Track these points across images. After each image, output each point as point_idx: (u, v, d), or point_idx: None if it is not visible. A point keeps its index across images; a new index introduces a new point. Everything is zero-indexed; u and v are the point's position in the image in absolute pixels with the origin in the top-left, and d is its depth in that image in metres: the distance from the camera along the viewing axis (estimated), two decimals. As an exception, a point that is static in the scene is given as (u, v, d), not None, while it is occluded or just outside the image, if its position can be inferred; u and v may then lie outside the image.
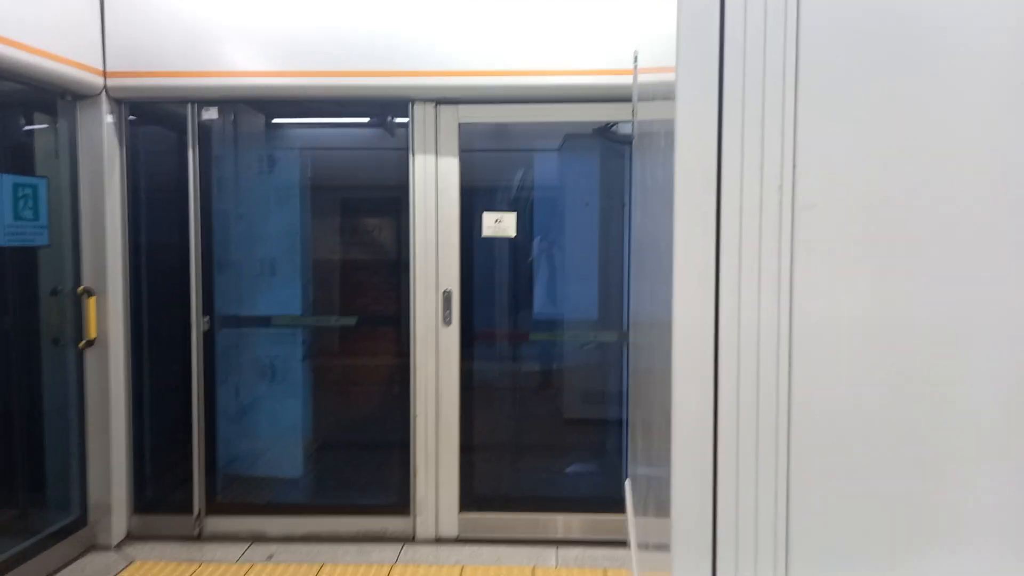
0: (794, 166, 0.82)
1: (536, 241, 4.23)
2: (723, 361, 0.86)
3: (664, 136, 1.04)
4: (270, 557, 3.79)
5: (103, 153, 3.79)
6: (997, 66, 0.82)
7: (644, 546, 1.45)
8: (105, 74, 3.73)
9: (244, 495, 4.20)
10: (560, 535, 3.98)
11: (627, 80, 3.54)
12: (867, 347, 0.85)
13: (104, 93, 3.75)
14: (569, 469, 4.32)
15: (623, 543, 3.90)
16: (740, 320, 0.84)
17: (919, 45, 0.83)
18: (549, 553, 3.84)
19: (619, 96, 3.65)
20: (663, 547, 0.99)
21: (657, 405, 1.08)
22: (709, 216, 0.85)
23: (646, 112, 1.57)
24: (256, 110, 4.19)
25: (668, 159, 0.93)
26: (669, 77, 0.93)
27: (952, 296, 0.84)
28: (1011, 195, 0.83)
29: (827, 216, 0.83)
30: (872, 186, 0.83)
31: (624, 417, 4.29)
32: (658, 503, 1.08)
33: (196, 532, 4.00)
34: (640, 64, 1.87)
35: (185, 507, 4.00)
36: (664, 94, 1.05)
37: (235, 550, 3.87)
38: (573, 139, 4.19)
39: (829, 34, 0.82)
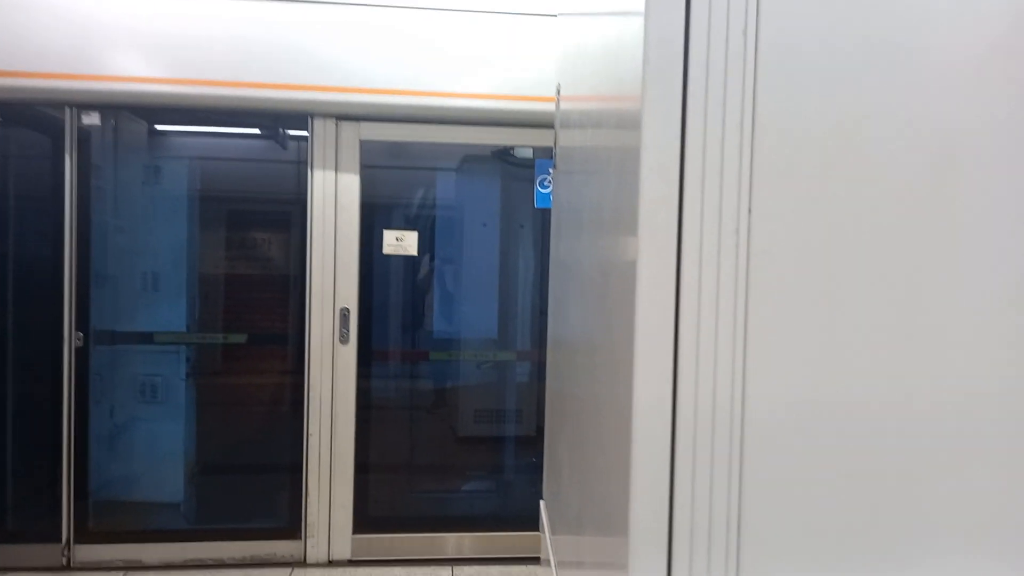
0: (750, 211, 0.91)
1: (426, 258, 4.24)
2: (682, 383, 0.93)
3: (617, 166, 1.10)
4: (148, 588, 3.58)
5: (-35, 154, 3.49)
6: (952, 111, 0.94)
7: (572, 564, 1.50)
8: (-28, 70, 3.44)
9: (119, 522, 3.94)
10: (455, 554, 3.98)
11: (529, 106, 3.64)
12: (818, 385, 0.94)
13: (-30, 91, 3.46)
14: (464, 487, 4.34)
15: (518, 560, 3.96)
16: (698, 351, 0.91)
17: (868, 101, 0.93)
18: (444, 572, 3.84)
19: (521, 121, 3.74)
20: (614, 565, 1.04)
21: (606, 429, 1.13)
22: (670, 251, 0.91)
23: (581, 140, 1.65)
24: (142, 117, 3.99)
25: (625, 193, 0.99)
26: (630, 106, 0.99)
27: (903, 341, 0.95)
28: (963, 242, 0.94)
29: (780, 261, 0.92)
30: (822, 233, 0.93)
31: (516, 434, 4.37)
32: (605, 521, 1.13)
33: (64, 562, 3.72)
34: (567, 93, 1.95)
35: (52, 535, 3.71)
36: (618, 123, 1.11)
37: (108, 582, 3.63)
38: (472, 160, 4.25)
39: (783, 90, 0.92)
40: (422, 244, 4.05)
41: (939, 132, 0.94)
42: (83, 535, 3.76)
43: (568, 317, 1.72)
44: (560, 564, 1.70)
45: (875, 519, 0.95)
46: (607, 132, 1.20)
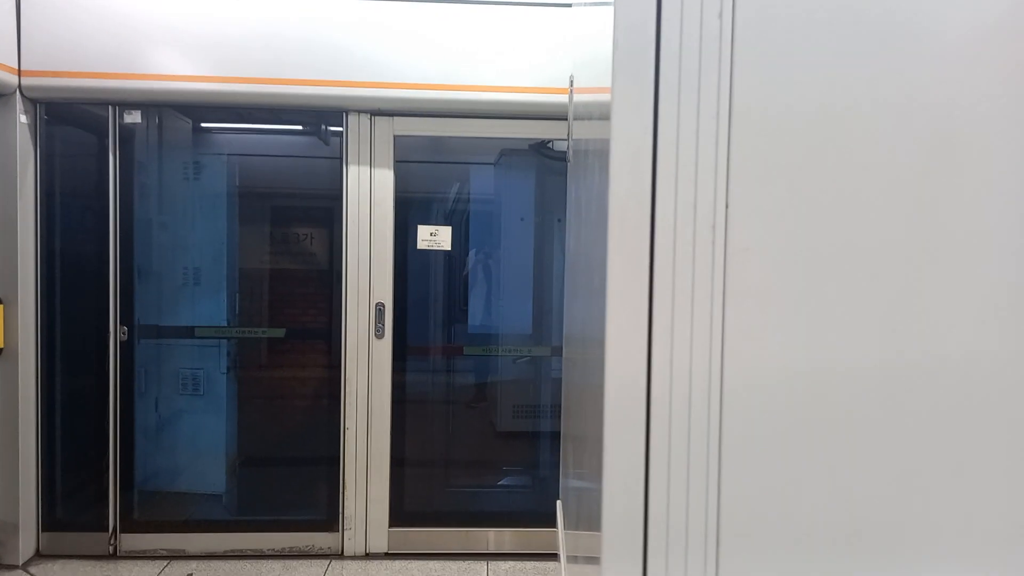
0: (727, 206, 0.85)
1: (471, 254, 4.23)
2: (655, 386, 0.88)
3: (598, 160, 1.05)
4: (190, 575, 3.66)
5: (16, 154, 3.61)
6: (934, 107, 0.87)
7: (574, 559, 1.47)
8: (20, 72, 3.56)
9: (163, 512, 4.05)
10: (492, 549, 3.97)
11: (562, 99, 3.58)
12: (799, 391, 0.88)
13: (18, 92, 3.58)
14: (502, 483, 4.33)
15: (553, 556, 3.93)
16: (672, 354, 0.86)
17: (853, 87, 0.86)
18: (480, 567, 3.83)
19: (554, 114, 3.69)
20: (594, 559, 1.01)
21: (589, 423, 1.09)
22: (643, 249, 0.86)
23: (581, 132, 1.60)
24: (182, 114, 4.07)
25: (603, 179, 0.95)
26: (605, 98, 0.95)
27: (885, 341, 0.88)
28: (946, 238, 0.87)
29: (759, 259, 0.86)
30: (804, 230, 0.86)
31: (553, 430, 4.32)
32: (589, 515, 1.09)
33: (111, 550, 3.84)
34: (576, 84, 1.90)
35: (99, 524, 3.83)
36: (600, 114, 1.07)
37: (152, 568, 3.73)
38: (509, 154, 4.22)
39: (762, 77, 0.85)
40: (458, 239, 4.04)
41: (930, 117, 0.86)
42: (129, 524, 3.87)
43: (572, 314, 1.68)
44: (568, 559, 1.67)
45: (861, 513, 0.89)
46: (593, 123, 1.15)
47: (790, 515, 0.89)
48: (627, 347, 0.87)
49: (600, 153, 0.99)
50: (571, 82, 2.17)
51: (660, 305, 0.86)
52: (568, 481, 1.77)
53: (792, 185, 0.86)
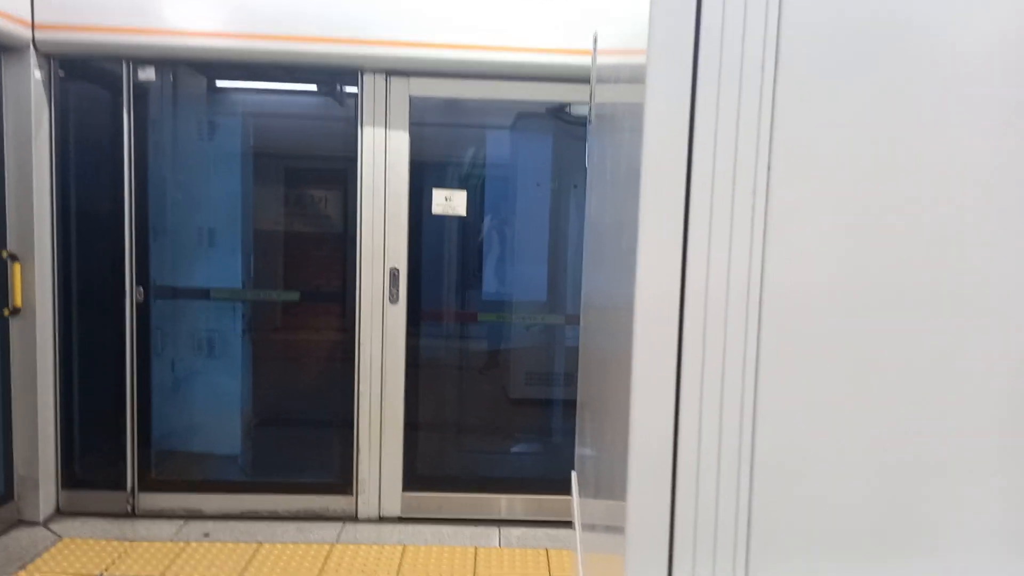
0: (768, 168, 0.80)
1: (486, 220, 4.18)
2: (687, 356, 0.84)
3: (629, 122, 1.00)
4: (206, 535, 3.70)
5: (30, 110, 3.58)
6: (984, 68, 0.80)
7: (592, 527, 1.44)
8: (33, 25, 3.51)
9: (179, 471, 4.08)
10: (503, 515, 3.98)
11: (583, 60, 3.49)
12: (838, 354, 0.83)
13: (32, 46, 3.54)
14: (514, 449, 4.33)
15: (565, 523, 3.94)
16: (706, 323, 0.82)
17: (905, 43, 0.80)
18: (492, 533, 3.85)
19: (574, 76, 3.60)
20: (617, 528, 0.97)
21: (615, 391, 1.06)
22: (677, 214, 0.81)
23: (607, 95, 1.54)
24: (197, 72, 4.01)
25: (634, 148, 0.89)
26: (638, 60, 0.89)
27: (943, 315, 0.83)
28: (998, 206, 0.82)
29: (802, 225, 0.81)
30: (850, 191, 0.81)
31: (566, 398, 4.30)
32: (611, 484, 1.06)
33: (129, 508, 3.88)
34: (601, 45, 1.83)
35: (117, 483, 3.87)
36: (631, 77, 1.01)
37: (169, 527, 3.77)
38: (526, 118, 4.14)
39: (812, 29, 0.79)
40: (472, 205, 3.98)
41: (974, 79, 0.80)
42: (146, 484, 3.90)
43: (594, 280, 1.64)
44: (584, 527, 1.65)
45: (895, 520, 0.85)
46: (621, 84, 1.09)
47: (826, 481, 0.85)
48: (658, 313, 0.82)
49: (632, 113, 0.94)
50: (595, 41, 2.09)
51: (694, 269, 0.81)
52: (585, 450, 1.75)
53: (845, 146, 0.80)
